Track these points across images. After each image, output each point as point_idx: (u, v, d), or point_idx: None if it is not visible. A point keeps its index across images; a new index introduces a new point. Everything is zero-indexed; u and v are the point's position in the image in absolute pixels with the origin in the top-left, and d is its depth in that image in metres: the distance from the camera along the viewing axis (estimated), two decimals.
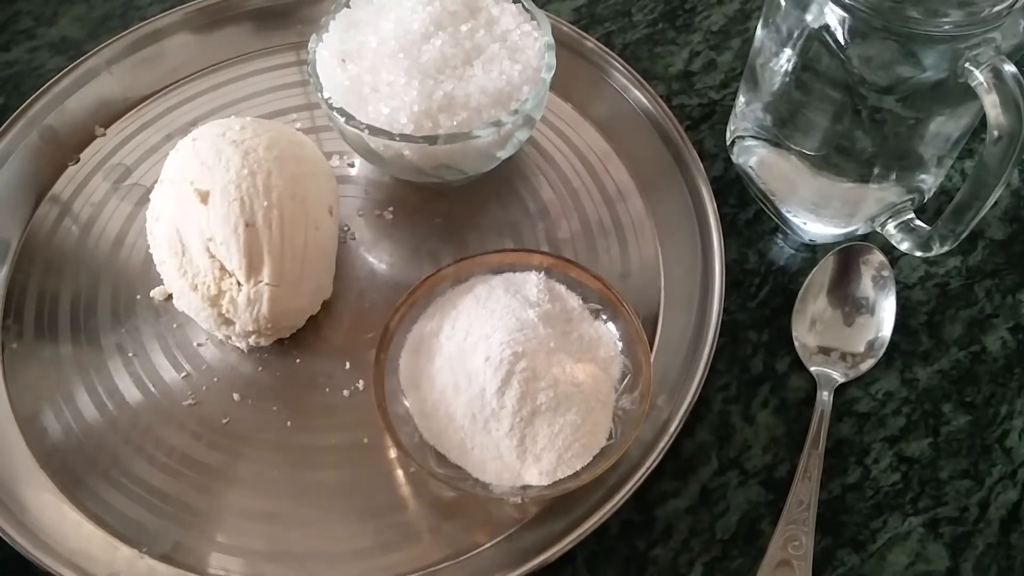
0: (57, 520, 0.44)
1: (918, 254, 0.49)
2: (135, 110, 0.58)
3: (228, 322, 0.46)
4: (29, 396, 0.48)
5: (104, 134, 0.57)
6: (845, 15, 0.42)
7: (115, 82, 0.59)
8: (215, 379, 0.48)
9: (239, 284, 0.45)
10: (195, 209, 0.45)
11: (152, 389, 0.48)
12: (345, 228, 0.54)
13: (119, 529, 0.44)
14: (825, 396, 0.48)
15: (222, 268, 0.45)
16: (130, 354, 0.49)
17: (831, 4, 0.43)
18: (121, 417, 0.48)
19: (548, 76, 0.50)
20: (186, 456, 0.46)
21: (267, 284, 0.46)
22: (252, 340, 0.47)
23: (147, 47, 0.60)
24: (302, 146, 0.50)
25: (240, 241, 0.45)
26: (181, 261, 0.46)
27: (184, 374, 0.49)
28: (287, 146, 0.49)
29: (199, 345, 0.49)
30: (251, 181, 0.46)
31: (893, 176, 0.48)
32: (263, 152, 0.47)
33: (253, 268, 0.45)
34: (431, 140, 0.47)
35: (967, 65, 0.41)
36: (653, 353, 0.49)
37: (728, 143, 0.56)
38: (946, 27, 0.41)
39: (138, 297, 0.51)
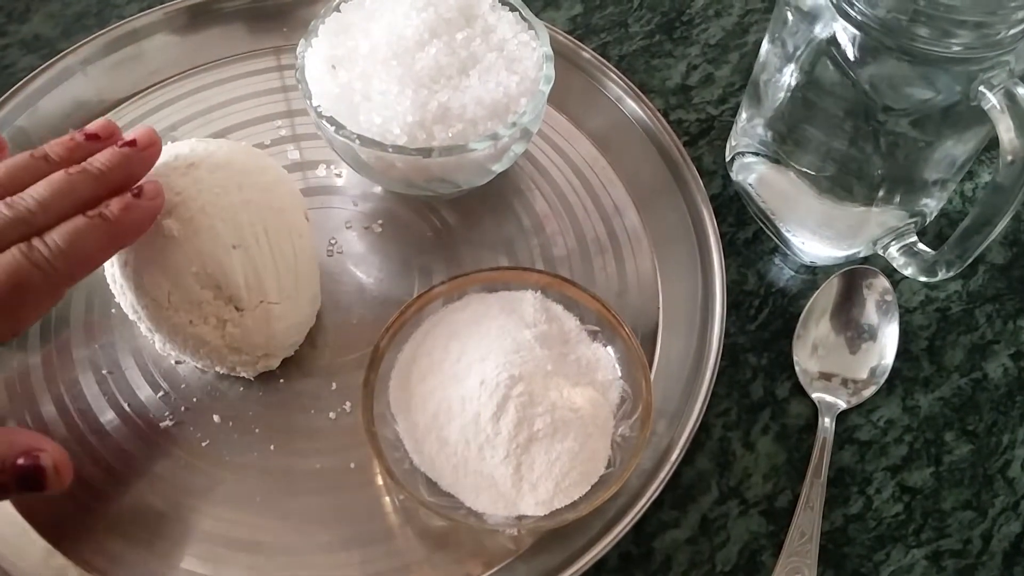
0: (25, 549, 0.42)
1: (922, 279, 0.48)
2: (111, 113, 0.56)
3: (236, 351, 0.44)
4: None
5: None
6: (856, 32, 0.41)
7: (90, 84, 0.56)
8: (194, 399, 0.46)
9: (238, 310, 0.43)
10: (170, 244, 0.42)
11: (127, 408, 0.46)
12: (332, 241, 0.52)
13: (91, 559, 0.42)
14: (827, 423, 0.46)
15: (216, 296, 0.43)
16: (104, 371, 0.47)
17: (841, 20, 0.42)
18: (93, 437, 0.45)
19: (547, 88, 0.48)
20: (163, 480, 0.44)
21: (269, 303, 0.43)
22: (261, 365, 0.45)
23: (125, 47, 0.58)
24: (260, 156, 0.47)
25: (232, 264, 0.42)
26: (170, 301, 0.43)
27: (161, 393, 0.46)
28: (246, 159, 0.46)
29: (177, 363, 0.47)
30: (224, 200, 0.43)
31: (897, 199, 0.47)
32: (226, 168, 0.44)
33: (251, 289, 0.43)
34: (425, 153, 0.46)
35: (980, 88, 0.40)
36: (652, 376, 0.47)
37: (728, 159, 0.55)
38: (956, 49, 0.40)
39: (112, 311, 0.48)
